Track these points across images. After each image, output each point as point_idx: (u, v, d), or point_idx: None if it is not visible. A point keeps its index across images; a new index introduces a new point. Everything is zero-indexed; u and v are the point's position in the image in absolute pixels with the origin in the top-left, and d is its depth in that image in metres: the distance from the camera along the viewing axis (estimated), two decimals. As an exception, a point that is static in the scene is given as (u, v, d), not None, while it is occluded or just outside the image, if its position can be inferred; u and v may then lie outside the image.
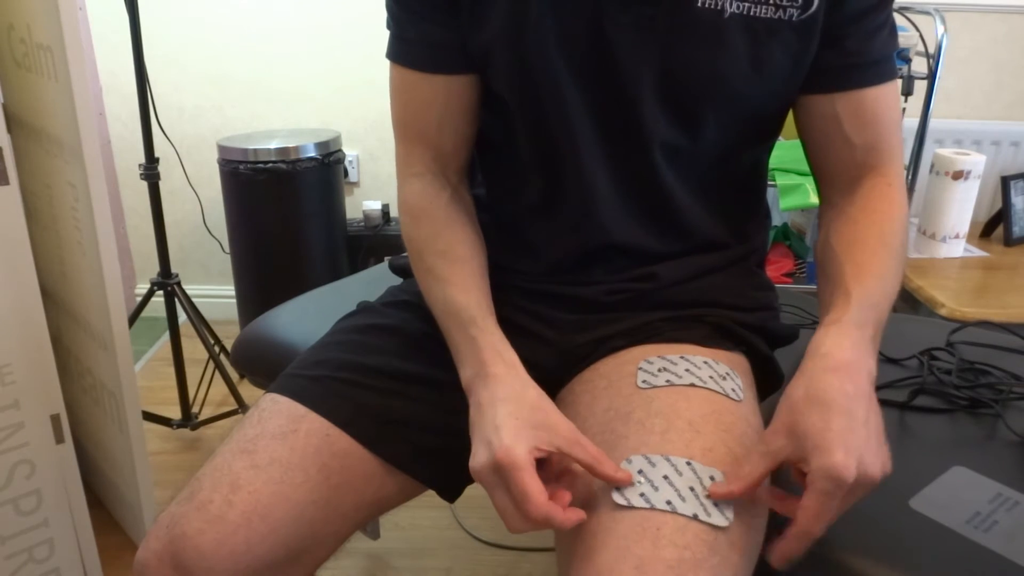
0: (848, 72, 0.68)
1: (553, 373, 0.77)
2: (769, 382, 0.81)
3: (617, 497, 0.58)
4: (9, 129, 1.23)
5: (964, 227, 1.85)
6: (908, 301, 1.81)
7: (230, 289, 2.30)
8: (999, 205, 1.96)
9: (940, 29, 1.61)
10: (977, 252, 1.90)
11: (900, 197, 0.69)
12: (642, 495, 0.57)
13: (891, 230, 0.67)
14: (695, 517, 0.56)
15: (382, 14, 0.74)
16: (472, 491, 0.81)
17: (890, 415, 0.85)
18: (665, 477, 0.58)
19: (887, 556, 0.63)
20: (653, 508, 0.56)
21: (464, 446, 0.75)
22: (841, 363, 0.57)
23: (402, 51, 0.74)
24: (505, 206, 0.81)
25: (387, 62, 0.75)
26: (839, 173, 0.72)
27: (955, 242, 1.86)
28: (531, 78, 0.69)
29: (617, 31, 0.66)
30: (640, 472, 0.59)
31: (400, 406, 0.73)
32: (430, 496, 0.78)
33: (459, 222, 0.75)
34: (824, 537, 0.55)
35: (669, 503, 0.56)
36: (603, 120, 0.70)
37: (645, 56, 0.67)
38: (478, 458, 0.59)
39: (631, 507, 0.57)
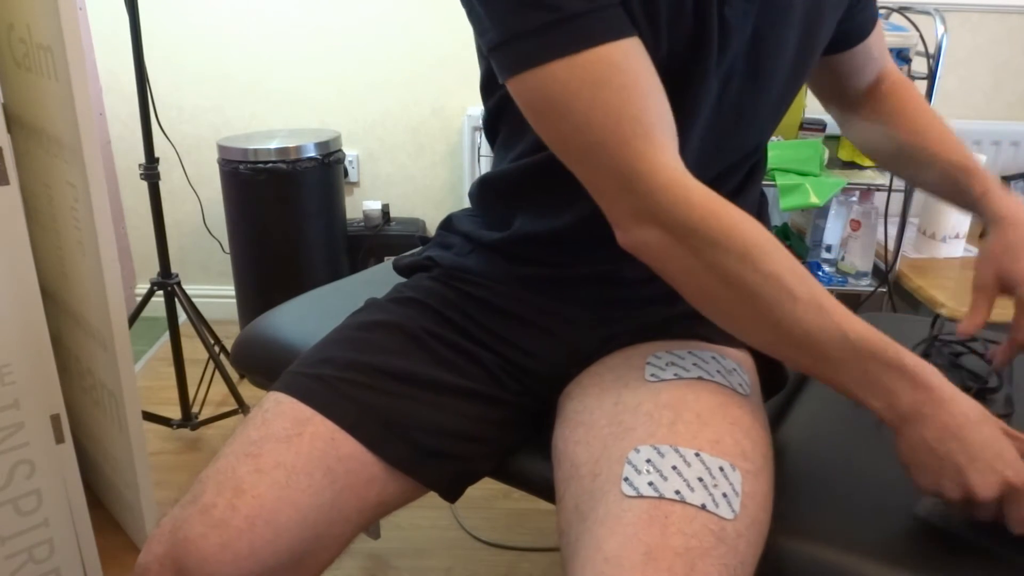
0: (875, 14, 0.85)
1: (560, 368, 0.78)
2: (774, 380, 0.81)
3: (626, 487, 0.58)
4: (9, 129, 1.23)
5: (964, 227, 1.86)
6: (908, 301, 1.81)
7: (230, 289, 2.30)
8: (999, 205, 1.96)
9: (940, 29, 1.61)
10: (977, 252, 1.90)
11: (903, 77, 0.92)
12: (651, 484, 0.58)
13: (926, 103, 0.89)
14: (703, 507, 0.56)
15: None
16: (472, 491, 0.81)
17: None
18: (674, 467, 0.59)
19: (893, 561, 0.64)
20: (662, 497, 0.57)
21: (465, 447, 0.76)
22: (1015, 219, 0.77)
23: (578, 29, 0.58)
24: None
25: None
26: (867, 83, 0.90)
27: (955, 242, 1.86)
28: (677, 40, 0.66)
29: (730, 9, 0.66)
30: (648, 461, 0.59)
31: (404, 408, 0.73)
32: (430, 496, 0.78)
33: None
34: (830, 544, 0.64)
35: (678, 492, 0.57)
36: (716, 87, 0.70)
37: (742, 34, 0.68)
38: (987, 482, 0.57)
39: (640, 496, 0.57)
